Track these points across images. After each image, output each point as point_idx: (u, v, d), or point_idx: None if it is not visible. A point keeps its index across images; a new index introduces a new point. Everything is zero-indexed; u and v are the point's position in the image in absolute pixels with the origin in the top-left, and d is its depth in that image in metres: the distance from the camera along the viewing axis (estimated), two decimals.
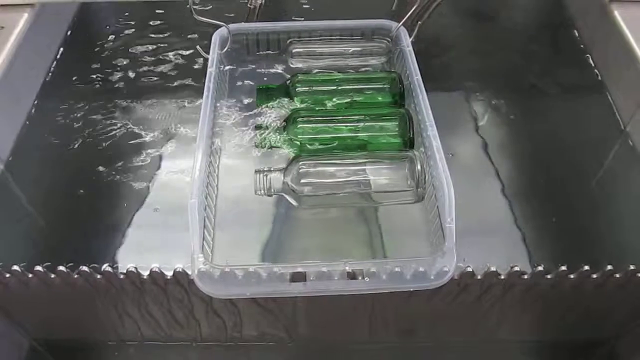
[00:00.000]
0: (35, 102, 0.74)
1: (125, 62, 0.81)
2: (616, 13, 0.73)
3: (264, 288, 0.51)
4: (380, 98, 0.68)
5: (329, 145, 0.63)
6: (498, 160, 0.70)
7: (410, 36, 0.71)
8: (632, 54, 0.69)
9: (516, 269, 0.53)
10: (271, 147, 0.65)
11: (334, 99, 0.68)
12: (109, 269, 0.54)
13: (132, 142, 0.71)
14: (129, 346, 0.69)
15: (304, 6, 0.85)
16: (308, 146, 0.63)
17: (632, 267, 0.54)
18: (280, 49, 0.76)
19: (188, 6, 0.67)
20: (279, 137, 0.65)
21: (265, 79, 0.75)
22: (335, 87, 0.69)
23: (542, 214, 0.65)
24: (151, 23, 0.87)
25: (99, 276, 0.55)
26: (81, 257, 0.58)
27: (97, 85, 0.78)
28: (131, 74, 0.80)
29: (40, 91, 0.75)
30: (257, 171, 0.59)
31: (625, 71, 0.71)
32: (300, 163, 0.59)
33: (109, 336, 0.67)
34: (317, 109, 0.67)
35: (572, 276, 0.54)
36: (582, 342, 0.68)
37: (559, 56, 0.83)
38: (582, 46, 0.81)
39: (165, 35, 0.86)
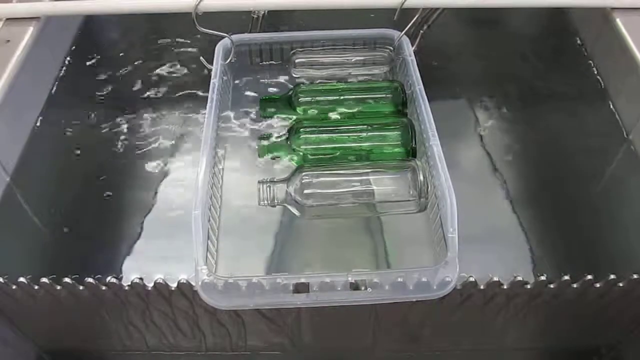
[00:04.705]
0: (41, 114, 0.75)
1: (129, 74, 0.82)
2: (618, 21, 0.73)
3: (268, 299, 0.51)
4: (382, 107, 0.69)
5: (332, 156, 0.63)
6: (501, 169, 0.70)
7: (412, 45, 0.72)
8: (634, 62, 0.69)
9: (519, 278, 0.53)
10: (274, 157, 0.66)
11: (337, 109, 0.68)
12: (114, 280, 0.55)
13: (137, 152, 0.72)
14: (135, 356, 0.69)
15: (306, 16, 0.86)
16: (311, 156, 0.63)
17: (635, 276, 0.53)
18: (283, 59, 0.76)
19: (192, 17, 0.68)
20: (282, 147, 0.65)
21: (268, 89, 0.75)
22: (338, 97, 0.69)
23: (545, 222, 0.65)
24: (155, 35, 0.88)
25: (104, 288, 0.55)
26: (87, 269, 0.58)
27: (102, 98, 0.79)
28: (136, 86, 0.80)
29: (46, 103, 0.76)
30: (261, 182, 0.59)
31: (627, 79, 0.71)
32: (303, 173, 0.59)
33: (115, 346, 0.67)
34: (319, 119, 0.68)
35: (575, 285, 0.54)
36: (586, 349, 0.68)
37: (562, 64, 0.83)
38: (584, 54, 0.81)
39: (170, 47, 0.86)
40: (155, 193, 0.67)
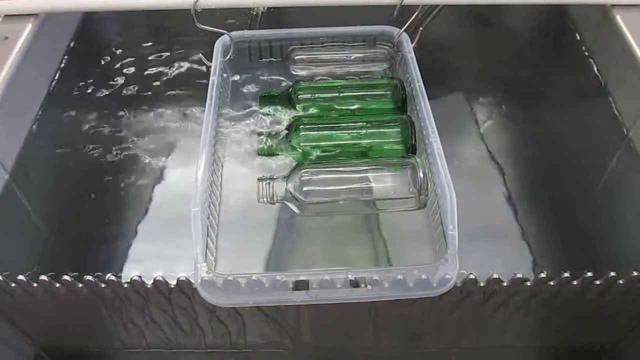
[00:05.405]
0: (40, 111, 0.74)
1: (128, 72, 0.82)
2: (618, 17, 0.73)
3: (267, 296, 0.51)
4: (382, 105, 0.68)
5: (332, 153, 0.63)
6: (501, 166, 0.70)
7: (412, 42, 0.72)
8: (634, 59, 0.69)
9: (519, 276, 0.53)
10: (274, 154, 0.66)
11: (336, 106, 0.68)
12: (114, 278, 0.54)
13: (135, 150, 0.71)
14: (134, 353, 0.69)
15: (306, 13, 0.85)
16: (310, 154, 0.63)
17: (635, 273, 0.53)
18: (283, 56, 0.76)
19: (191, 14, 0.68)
20: (281, 144, 0.65)
21: (267, 86, 0.75)
22: (337, 94, 0.69)
23: (545, 219, 0.65)
24: (154, 32, 0.88)
25: (103, 285, 0.55)
26: (86, 266, 0.58)
27: (101, 95, 0.79)
28: (134, 83, 0.80)
29: (44, 101, 0.76)
30: (260, 179, 0.59)
31: (628, 76, 0.71)
32: (303, 171, 0.59)
33: (114, 344, 0.67)
34: (319, 116, 0.68)
35: (575, 283, 0.54)
36: (586, 347, 0.68)
37: (562, 61, 0.83)
38: (584, 51, 0.81)
39: (168, 43, 0.86)
40: (155, 190, 0.67)
